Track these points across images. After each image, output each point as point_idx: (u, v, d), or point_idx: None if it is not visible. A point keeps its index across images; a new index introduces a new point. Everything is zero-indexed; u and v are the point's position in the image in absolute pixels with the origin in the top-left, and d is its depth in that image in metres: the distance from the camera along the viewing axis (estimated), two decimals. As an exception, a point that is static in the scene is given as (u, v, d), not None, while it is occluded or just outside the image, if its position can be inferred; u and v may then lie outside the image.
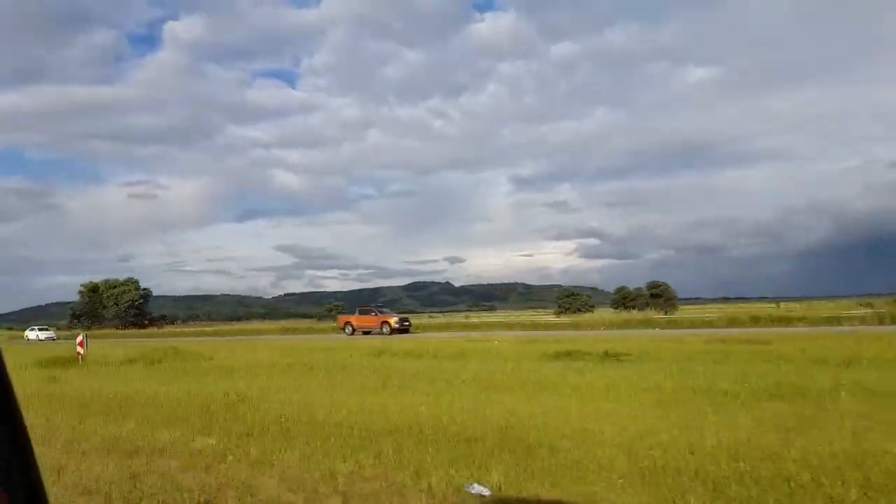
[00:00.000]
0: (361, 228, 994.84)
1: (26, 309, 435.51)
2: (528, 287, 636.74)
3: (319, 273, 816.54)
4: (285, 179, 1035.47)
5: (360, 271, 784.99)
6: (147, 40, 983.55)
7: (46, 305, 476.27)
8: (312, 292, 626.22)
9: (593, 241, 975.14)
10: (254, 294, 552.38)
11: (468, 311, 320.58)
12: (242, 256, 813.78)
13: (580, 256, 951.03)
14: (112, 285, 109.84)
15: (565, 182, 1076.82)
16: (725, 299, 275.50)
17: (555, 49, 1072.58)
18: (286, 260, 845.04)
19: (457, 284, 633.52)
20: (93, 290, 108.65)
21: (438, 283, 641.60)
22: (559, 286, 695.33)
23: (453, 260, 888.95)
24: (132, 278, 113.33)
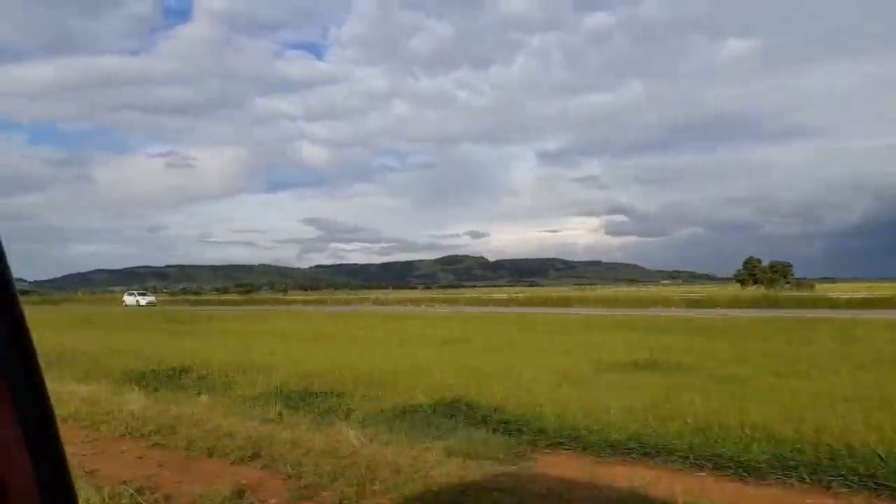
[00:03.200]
0: (384, 201, 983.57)
1: (68, 276, 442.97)
2: (566, 263, 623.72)
3: (343, 246, 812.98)
4: (310, 151, 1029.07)
5: (382, 244, 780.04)
6: (178, 11, 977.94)
7: (88, 273, 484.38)
8: (342, 264, 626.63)
9: (620, 218, 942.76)
10: (283, 265, 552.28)
11: (508, 286, 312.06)
12: (268, 228, 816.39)
13: (606, 233, 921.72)
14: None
15: (594, 157, 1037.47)
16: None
17: (588, 20, 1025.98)
18: (311, 232, 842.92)
19: (491, 259, 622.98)
20: None
21: (473, 257, 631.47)
22: (599, 262, 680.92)
23: (476, 234, 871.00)
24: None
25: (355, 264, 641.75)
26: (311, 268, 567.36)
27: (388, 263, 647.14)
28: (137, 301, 62.55)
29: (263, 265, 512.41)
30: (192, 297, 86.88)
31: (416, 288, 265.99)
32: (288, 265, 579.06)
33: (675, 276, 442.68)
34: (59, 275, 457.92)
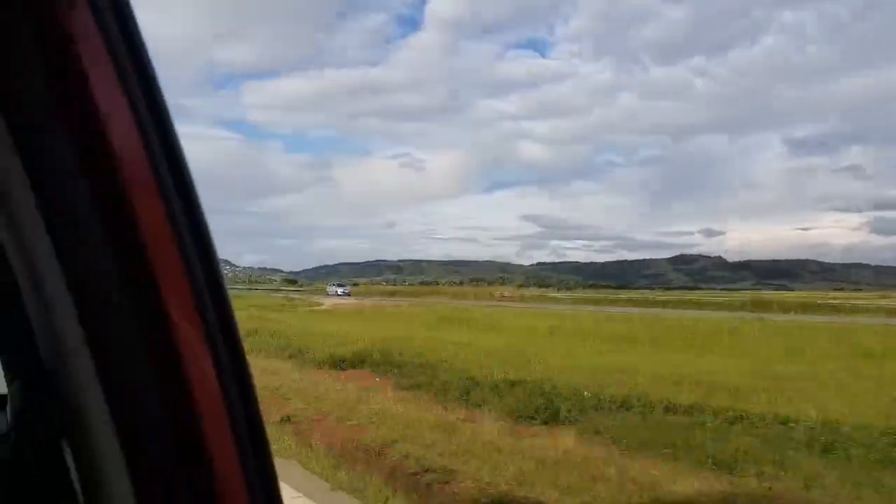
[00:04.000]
0: (607, 198, 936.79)
1: (319, 267, 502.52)
2: (822, 265, 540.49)
3: (563, 243, 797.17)
4: (531, 150, 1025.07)
5: (603, 242, 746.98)
6: (410, 20, 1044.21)
7: (336, 265, 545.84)
8: (564, 262, 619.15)
9: (891, 214, 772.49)
10: (505, 261, 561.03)
11: (754, 289, 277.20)
12: (489, 225, 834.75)
13: (871, 231, 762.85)
14: None
15: (857, 145, 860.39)
16: None
17: None
18: (530, 229, 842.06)
19: (730, 259, 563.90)
20: None
21: (708, 256, 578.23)
22: (864, 264, 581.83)
23: (710, 232, 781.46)
24: None
25: (577, 262, 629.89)
26: (533, 265, 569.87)
27: (614, 262, 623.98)
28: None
29: (487, 261, 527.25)
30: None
31: (654, 289, 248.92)
32: (509, 261, 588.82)
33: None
34: (310, 266, 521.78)
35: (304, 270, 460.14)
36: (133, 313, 0.64)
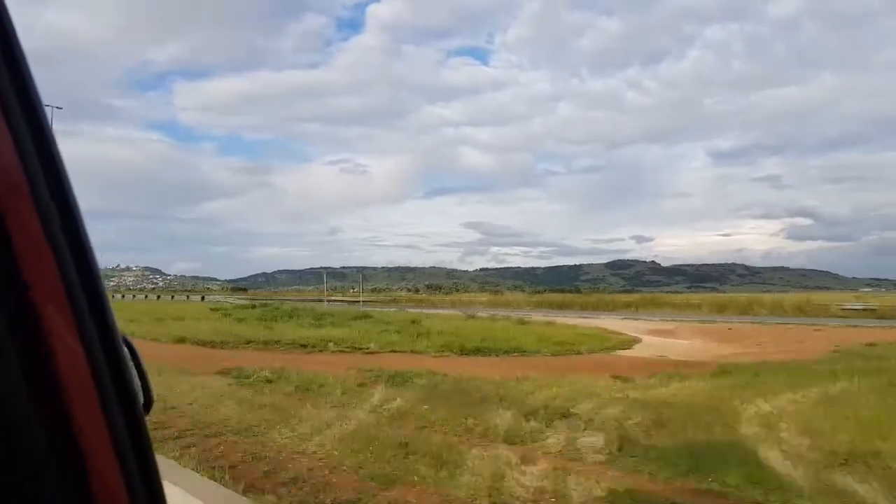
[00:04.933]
0: (546, 205, 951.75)
1: (255, 275, 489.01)
2: (748, 268, 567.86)
3: (504, 249, 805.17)
4: (473, 157, 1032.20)
5: (541, 249, 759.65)
6: (351, 24, 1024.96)
7: (272, 273, 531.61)
8: (507, 268, 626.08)
9: (803, 221, 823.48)
10: (449, 267, 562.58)
11: (689, 292, 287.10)
12: (430, 232, 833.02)
13: (787, 238, 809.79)
14: None
15: (776, 155, 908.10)
16: None
17: (773, 8, 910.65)
18: (471, 236, 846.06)
19: (664, 264, 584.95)
20: None
21: (644, 261, 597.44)
22: (785, 268, 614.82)
23: (641, 238, 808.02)
24: None
25: (519, 268, 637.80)
26: (476, 271, 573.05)
27: (555, 267, 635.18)
28: None
29: (432, 267, 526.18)
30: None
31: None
32: (454, 268, 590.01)
33: (874, 284, 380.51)
34: (246, 274, 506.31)
35: (240, 279, 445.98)
36: (3, 317, 0.61)
